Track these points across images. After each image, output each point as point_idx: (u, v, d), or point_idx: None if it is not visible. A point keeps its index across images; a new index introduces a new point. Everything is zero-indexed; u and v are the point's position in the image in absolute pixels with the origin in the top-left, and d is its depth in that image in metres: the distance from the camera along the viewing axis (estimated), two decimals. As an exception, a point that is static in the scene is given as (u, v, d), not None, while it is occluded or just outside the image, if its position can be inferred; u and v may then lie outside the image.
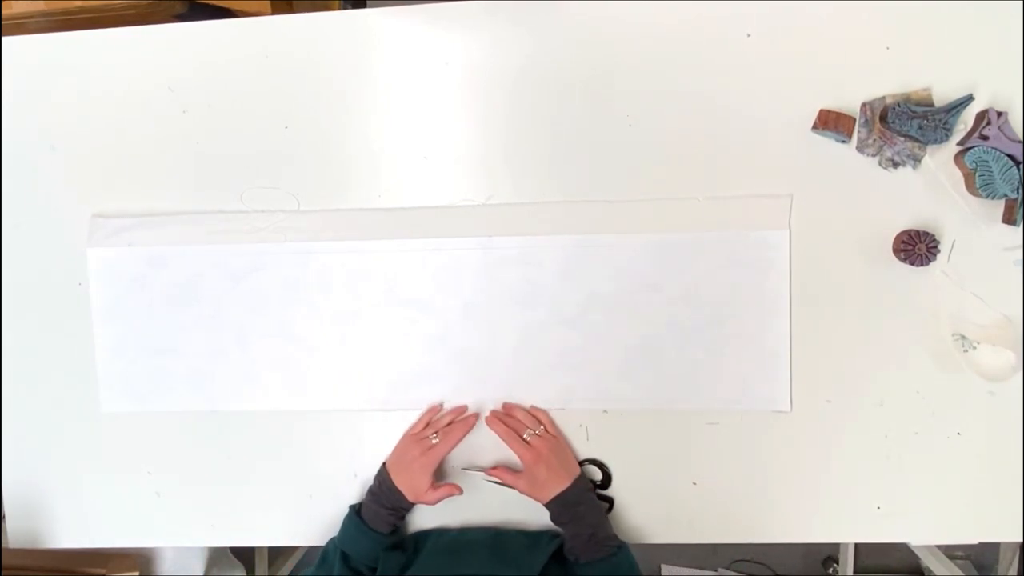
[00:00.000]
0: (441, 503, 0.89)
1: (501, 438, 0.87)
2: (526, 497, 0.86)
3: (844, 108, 0.84)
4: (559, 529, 0.90)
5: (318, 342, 0.94)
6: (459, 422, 0.90)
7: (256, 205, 0.94)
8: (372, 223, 0.93)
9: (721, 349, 0.89)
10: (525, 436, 0.86)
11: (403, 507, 0.88)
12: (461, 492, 0.88)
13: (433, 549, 0.88)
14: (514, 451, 0.86)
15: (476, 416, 0.91)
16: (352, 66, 0.92)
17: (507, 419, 0.89)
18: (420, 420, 0.92)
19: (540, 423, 0.89)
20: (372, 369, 0.94)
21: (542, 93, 0.90)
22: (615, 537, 0.85)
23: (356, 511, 0.89)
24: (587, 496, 0.86)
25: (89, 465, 0.99)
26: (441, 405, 0.93)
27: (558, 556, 0.85)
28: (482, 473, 0.92)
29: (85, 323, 0.97)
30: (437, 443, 0.87)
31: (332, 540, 0.89)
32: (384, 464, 0.91)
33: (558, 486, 0.84)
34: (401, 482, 0.87)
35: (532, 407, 0.91)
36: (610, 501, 0.91)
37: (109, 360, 0.98)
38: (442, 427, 0.89)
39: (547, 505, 0.85)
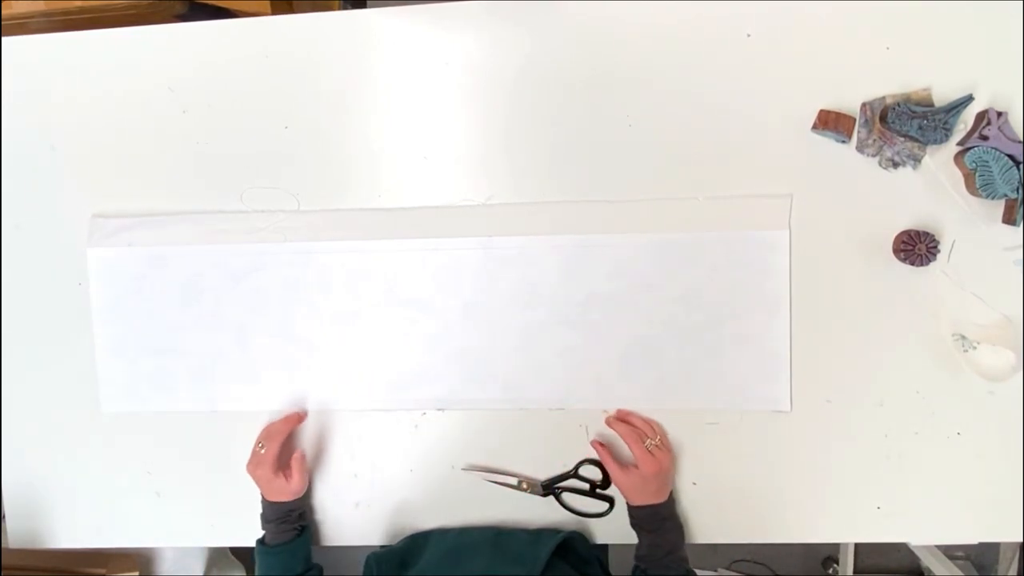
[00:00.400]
0: (442, 503, 0.90)
1: (624, 440, 0.87)
2: (613, 500, 0.88)
3: (844, 108, 0.84)
4: (560, 527, 0.90)
5: (318, 342, 0.94)
6: (279, 421, 0.92)
7: (256, 205, 0.94)
8: (372, 223, 0.93)
9: (721, 349, 0.89)
10: (647, 444, 0.86)
11: (290, 510, 0.89)
12: (302, 453, 0.90)
13: (436, 550, 0.87)
14: (636, 456, 0.85)
15: (301, 415, 0.94)
16: (352, 66, 0.92)
17: (630, 420, 0.89)
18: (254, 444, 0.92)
19: (656, 434, 0.88)
20: (372, 369, 0.94)
21: (542, 93, 0.90)
22: (687, 560, 0.85)
23: (260, 542, 0.90)
24: (675, 514, 0.87)
25: (89, 465, 0.99)
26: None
27: (561, 552, 0.85)
28: (482, 473, 0.92)
29: (85, 323, 0.97)
30: (263, 451, 0.89)
31: None
32: (260, 497, 0.92)
33: (658, 498, 0.85)
34: (272, 495, 0.89)
35: (648, 419, 0.90)
36: (610, 501, 0.91)
37: (109, 360, 0.98)
38: (265, 432, 0.92)
39: (635, 509, 0.86)
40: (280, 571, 0.87)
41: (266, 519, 0.90)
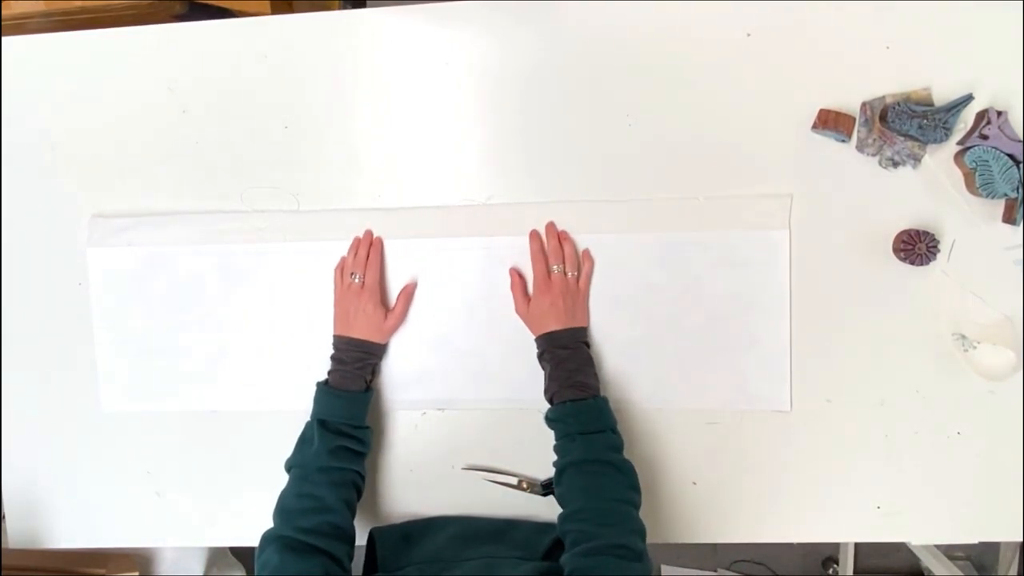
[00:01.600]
0: (442, 503, 0.89)
1: (530, 255, 0.87)
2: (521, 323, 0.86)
3: (844, 108, 0.84)
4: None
5: (318, 342, 0.94)
6: (372, 250, 0.90)
7: (256, 205, 0.94)
8: (372, 223, 0.93)
9: (721, 349, 0.89)
10: (555, 267, 0.85)
11: (371, 352, 0.88)
12: (415, 285, 0.89)
13: (443, 533, 0.88)
14: (533, 271, 0.85)
15: (379, 239, 0.91)
16: (352, 66, 0.92)
17: (551, 240, 0.88)
18: (335, 280, 0.91)
19: (573, 266, 0.86)
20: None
21: (542, 93, 0.90)
22: (596, 386, 0.83)
23: (324, 384, 0.87)
24: (578, 346, 0.85)
25: (89, 465, 0.99)
26: (343, 258, 0.92)
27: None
28: (482, 473, 0.92)
29: (85, 323, 0.97)
30: (364, 278, 0.87)
31: (307, 423, 0.87)
32: (335, 334, 0.89)
33: (553, 324, 0.83)
34: (360, 330, 0.87)
35: (586, 250, 0.89)
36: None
37: (109, 360, 0.98)
38: (358, 263, 0.89)
39: (537, 340, 0.85)
40: (341, 416, 0.84)
41: (340, 360, 0.87)
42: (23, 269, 0.99)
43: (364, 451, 0.85)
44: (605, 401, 0.82)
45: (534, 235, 0.88)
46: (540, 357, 0.85)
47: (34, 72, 0.97)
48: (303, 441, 0.85)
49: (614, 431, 0.80)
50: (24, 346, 0.99)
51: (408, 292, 0.89)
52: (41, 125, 0.97)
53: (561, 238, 0.88)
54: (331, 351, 0.89)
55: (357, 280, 0.88)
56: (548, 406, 0.83)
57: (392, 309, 0.89)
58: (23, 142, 0.97)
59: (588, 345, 0.87)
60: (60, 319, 0.98)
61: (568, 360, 0.83)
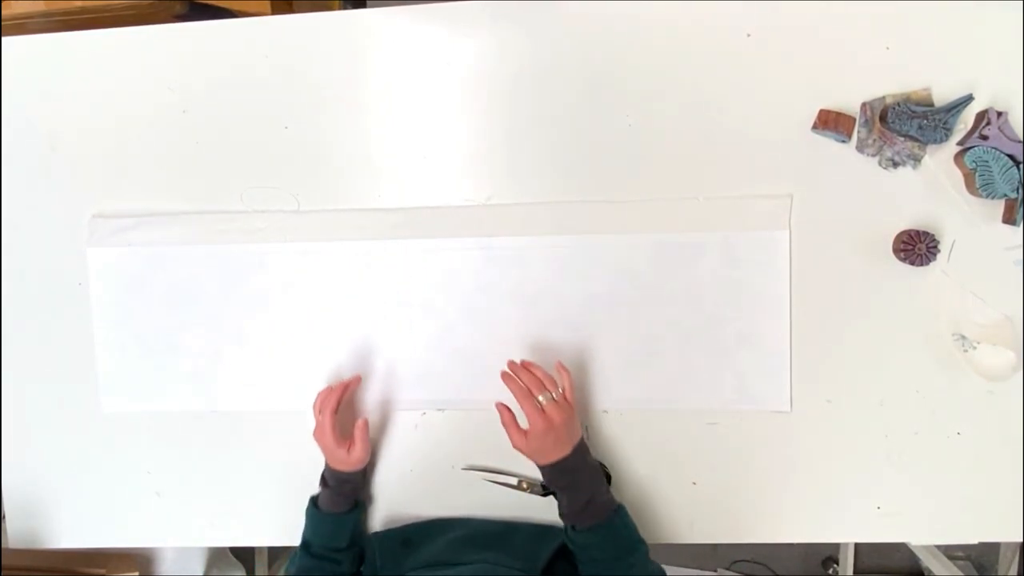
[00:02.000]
0: (442, 503, 0.89)
1: (514, 396, 0.83)
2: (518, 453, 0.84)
3: (844, 108, 0.84)
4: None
5: (318, 342, 0.94)
6: (330, 391, 0.89)
7: (256, 205, 0.94)
8: (372, 223, 0.93)
9: (721, 349, 0.89)
10: (541, 399, 0.82)
11: (347, 480, 0.89)
12: (365, 421, 0.88)
13: (443, 537, 0.88)
14: (525, 414, 0.82)
15: (354, 379, 0.92)
16: (352, 66, 0.92)
17: (523, 375, 0.85)
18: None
19: (557, 386, 0.84)
20: (372, 369, 0.94)
21: (542, 93, 0.90)
22: (613, 500, 0.83)
23: (314, 502, 0.90)
24: (585, 462, 0.84)
25: (89, 465, 0.99)
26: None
27: (565, 550, 0.84)
28: (482, 473, 0.92)
29: (85, 323, 0.97)
30: (320, 417, 0.88)
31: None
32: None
33: (559, 454, 0.82)
34: (332, 463, 0.89)
35: (558, 363, 0.87)
36: (610, 501, 0.91)
37: (109, 360, 0.98)
38: (320, 400, 0.89)
39: (542, 468, 0.83)
40: (320, 539, 0.87)
41: (323, 482, 0.90)
42: (23, 269, 0.99)
43: (346, 572, 0.87)
44: (625, 511, 0.82)
45: (506, 377, 0.85)
46: (550, 483, 0.84)
47: (34, 72, 0.97)
48: (291, 561, 0.89)
49: (641, 541, 0.81)
50: (24, 346, 0.99)
51: (361, 428, 0.88)
52: (41, 125, 0.97)
53: (528, 367, 0.86)
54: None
55: (321, 417, 0.88)
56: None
57: (352, 443, 0.88)
58: (23, 142, 0.97)
59: (589, 453, 0.86)
60: (60, 319, 0.98)
61: (581, 483, 0.82)
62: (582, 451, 0.84)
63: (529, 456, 0.83)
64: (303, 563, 0.86)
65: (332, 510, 0.88)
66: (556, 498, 0.84)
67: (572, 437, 0.83)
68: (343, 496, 0.88)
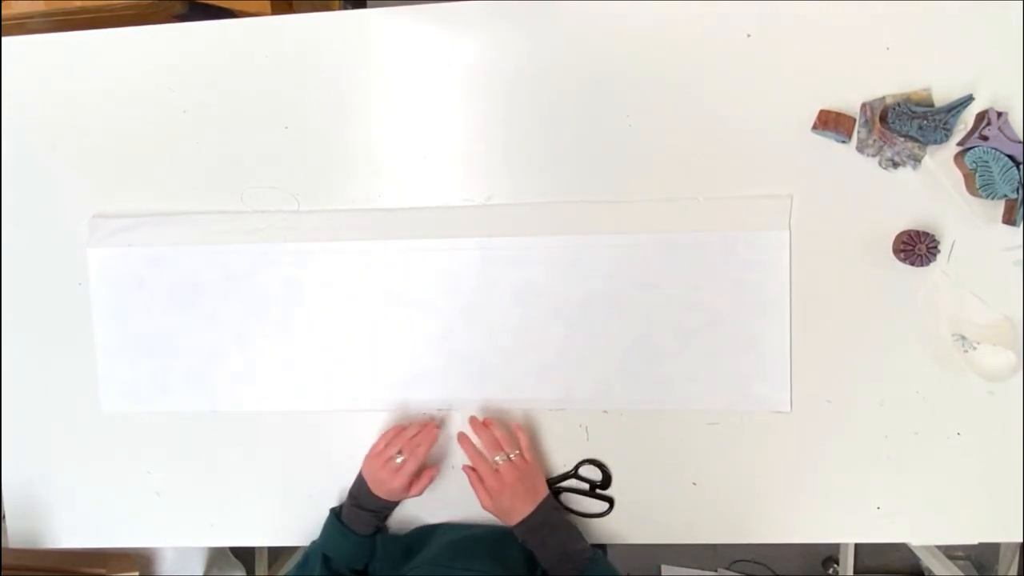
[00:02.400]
0: (442, 503, 0.90)
1: (469, 459, 0.88)
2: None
3: (844, 108, 0.84)
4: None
5: (318, 342, 0.94)
6: (423, 435, 0.89)
7: (256, 205, 0.94)
8: (372, 223, 0.93)
9: (721, 349, 0.89)
10: (497, 459, 0.85)
11: (386, 508, 0.89)
12: (437, 471, 0.89)
13: (438, 542, 0.88)
14: (480, 475, 0.85)
15: (438, 426, 0.91)
16: (352, 66, 0.92)
17: (482, 434, 0.88)
18: (379, 440, 0.90)
19: (513, 447, 0.86)
20: (372, 369, 0.94)
21: (542, 93, 0.90)
22: (587, 548, 0.84)
23: (336, 515, 0.89)
24: (553, 516, 0.85)
25: (89, 465, 0.99)
26: (399, 426, 0.92)
27: None
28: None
29: (85, 323, 0.97)
30: (404, 461, 0.86)
31: (314, 543, 0.89)
32: (361, 473, 0.90)
33: (523, 511, 0.83)
34: (381, 494, 0.87)
35: (516, 425, 0.89)
36: (610, 501, 0.91)
37: (109, 360, 0.98)
38: (406, 441, 0.88)
39: (514, 529, 0.85)
40: (346, 558, 0.86)
41: (359, 504, 0.88)
42: (23, 269, 0.99)
43: None
44: (600, 558, 0.83)
45: (462, 439, 0.89)
46: (525, 543, 0.85)
47: (34, 72, 0.97)
48: (304, 562, 0.87)
49: None
50: (24, 346, 0.99)
51: (430, 477, 0.89)
52: (41, 125, 0.97)
53: (488, 425, 0.89)
54: (352, 483, 0.91)
55: (399, 460, 0.86)
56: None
57: (412, 487, 0.88)
58: (23, 142, 0.97)
59: (558, 504, 0.88)
60: (60, 319, 0.98)
61: (550, 536, 0.83)
62: (548, 507, 0.85)
63: (499, 517, 0.85)
64: (319, 569, 0.85)
65: (359, 530, 0.86)
66: (535, 554, 0.84)
67: (535, 494, 0.85)
68: (374, 520, 0.88)
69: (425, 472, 0.89)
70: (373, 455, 0.89)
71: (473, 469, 0.87)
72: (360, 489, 0.89)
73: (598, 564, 0.83)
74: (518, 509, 0.83)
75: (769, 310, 0.88)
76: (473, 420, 0.90)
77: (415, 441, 0.88)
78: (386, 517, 0.91)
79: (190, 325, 0.96)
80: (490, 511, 0.86)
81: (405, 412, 0.94)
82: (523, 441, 0.87)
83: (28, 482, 1.01)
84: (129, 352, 0.97)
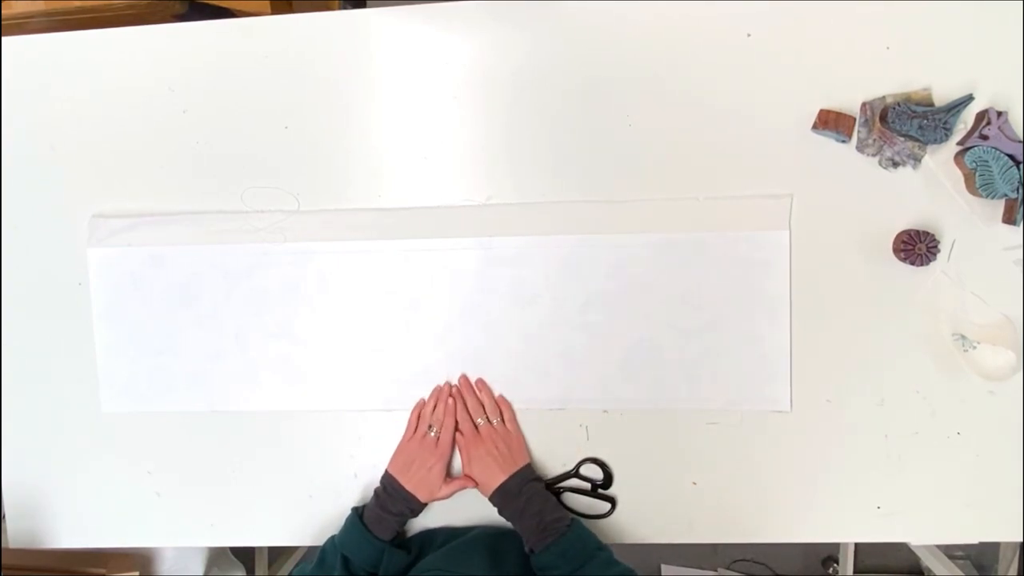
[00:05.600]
0: (442, 503, 0.89)
1: (450, 415, 0.89)
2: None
3: (844, 108, 0.84)
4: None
5: (318, 342, 0.94)
6: (441, 408, 0.90)
7: (256, 205, 0.94)
8: (372, 223, 0.93)
9: (721, 349, 0.89)
10: (479, 421, 0.88)
11: (413, 510, 0.88)
12: (476, 484, 0.88)
13: (436, 550, 0.87)
14: (459, 430, 0.87)
15: (452, 394, 0.92)
16: (352, 66, 0.92)
17: (470, 397, 0.90)
18: (410, 422, 0.92)
19: (496, 413, 0.89)
20: (372, 369, 0.94)
21: (542, 93, 0.90)
22: (565, 516, 0.83)
23: (359, 515, 0.88)
24: (530, 485, 0.85)
25: (89, 465, 0.99)
26: (422, 400, 0.93)
27: None
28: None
29: (85, 323, 0.97)
30: (440, 434, 0.88)
31: (331, 540, 0.88)
32: (388, 471, 0.90)
33: (500, 475, 0.84)
34: (414, 484, 0.87)
35: (500, 396, 0.91)
36: (612, 501, 0.91)
37: (109, 360, 0.98)
38: (437, 416, 0.90)
39: (491, 499, 0.85)
40: (365, 562, 0.84)
41: (384, 505, 0.87)
42: (23, 269, 0.99)
43: None
44: (579, 525, 0.83)
45: (444, 393, 0.90)
46: (501, 514, 0.85)
47: (34, 72, 0.97)
48: (322, 560, 0.86)
49: (601, 548, 0.81)
50: (24, 346, 0.99)
51: (462, 484, 0.88)
52: (41, 125, 0.97)
53: (478, 388, 0.91)
54: (378, 484, 0.90)
55: (433, 434, 0.88)
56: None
57: (449, 481, 0.88)
58: (23, 142, 0.97)
59: (538, 479, 0.88)
60: (60, 319, 0.98)
61: (526, 507, 0.83)
62: (525, 476, 0.86)
63: (479, 486, 0.87)
64: (338, 567, 0.83)
65: (380, 535, 0.85)
66: (512, 524, 0.85)
67: (512, 463, 0.86)
68: (397, 523, 0.87)
69: (461, 478, 0.88)
70: (407, 440, 0.90)
71: (458, 430, 0.88)
72: (387, 489, 0.88)
73: (576, 529, 0.82)
74: (494, 474, 0.85)
75: (769, 310, 0.88)
76: (464, 379, 0.91)
77: (441, 414, 0.90)
78: (407, 521, 0.90)
79: (190, 325, 0.96)
80: (468, 475, 0.87)
81: (405, 412, 0.94)
82: (507, 412, 0.90)
83: (28, 482, 1.01)
84: (129, 352, 0.97)
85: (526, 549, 0.83)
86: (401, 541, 0.91)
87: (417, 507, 0.88)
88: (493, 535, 0.89)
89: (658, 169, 0.88)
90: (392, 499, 0.87)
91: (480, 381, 0.91)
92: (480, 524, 0.93)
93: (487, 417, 0.89)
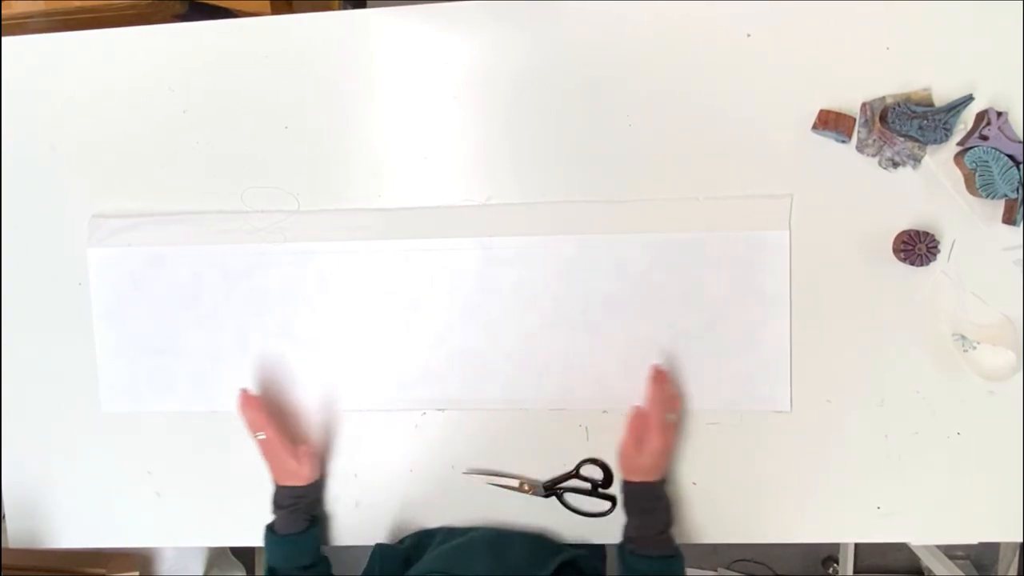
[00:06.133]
0: (442, 503, 0.89)
1: (650, 403, 0.84)
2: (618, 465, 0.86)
3: (844, 108, 0.84)
4: (561, 531, 0.90)
5: (318, 342, 0.94)
6: (250, 410, 0.89)
7: (256, 205, 0.94)
8: (372, 223, 0.93)
9: (721, 349, 0.89)
10: (670, 416, 0.85)
11: (301, 496, 0.89)
12: (312, 446, 0.90)
13: (435, 549, 0.87)
14: (653, 426, 0.82)
15: (243, 392, 0.91)
16: (352, 66, 0.92)
17: (658, 388, 0.85)
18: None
19: (677, 410, 0.87)
20: (372, 369, 0.94)
21: (542, 93, 0.90)
22: (674, 541, 0.84)
23: (269, 528, 0.89)
24: (666, 494, 0.85)
25: (89, 465, 0.99)
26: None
27: (561, 567, 0.83)
28: (484, 477, 0.92)
29: (85, 323, 0.97)
30: (263, 437, 0.88)
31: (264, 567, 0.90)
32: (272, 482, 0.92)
33: (652, 476, 0.83)
34: (283, 479, 0.89)
35: (675, 393, 0.88)
36: (612, 500, 0.91)
37: (109, 360, 0.98)
38: (250, 425, 0.90)
39: (630, 485, 0.84)
40: (285, 562, 0.87)
41: (277, 505, 0.89)
42: (23, 269, 0.99)
43: None
44: (683, 559, 0.83)
45: (659, 379, 0.86)
46: (631, 506, 0.84)
47: (34, 72, 0.97)
48: None
49: None
50: (24, 346, 0.99)
51: (307, 454, 0.89)
52: (41, 125, 0.97)
53: (663, 381, 0.87)
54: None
55: (262, 436, 0.89)
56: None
57: (301, 459, 0.89)
58: (23, 142, 0.97)
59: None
60: (60, 319, 0.98)
61: (659, 512, 0.83)
62: (665, 482, 0.86)
63: (626, 468, 0.84)
64: None
65: (290, 531, 0.87)
66: (628, 517, 0.84)
67: (664, 469, 0.85)
68: (300, 513, 0.88)
69: (303, 450, 0.89)
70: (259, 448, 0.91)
71: (643, 414, 0.84)
72: (274, 492, 0.90)
73: (680, 563, 0.82)
74: (651, 471, 0.83)
75: (769, 310, 0.88)
76: (657, 368, 0.87)
77: (251, 421, 0.89)
78: (309, 507, 0.90)
79: (190, 325, 0.96)
80: (627, 457, 0.83)
81: (405, 412, 0.94)
82: (679, 410, 0.87)
83: (28, 482, 1.01)
84: (129, 352, 0.97)
85: (626, 543, 0.83)
86: (398, 545, 0.91)
87: (303, 491, 0.89)
88: (495, 536, 0.89)
89: (658, 169, 0.88)
90: (282, 497, 0.89)
91: (664, 373, 0.87)
92: (480, 524, 0.93)
93: (676, 415, 0.86)
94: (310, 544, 0.88)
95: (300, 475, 0.88)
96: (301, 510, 0.89)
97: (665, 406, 0.85)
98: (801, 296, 0.87)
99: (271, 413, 0.90)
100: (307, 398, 0.95)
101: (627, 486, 0.85)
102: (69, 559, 1.19)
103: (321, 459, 0.93)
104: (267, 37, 0.93)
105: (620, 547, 0.84)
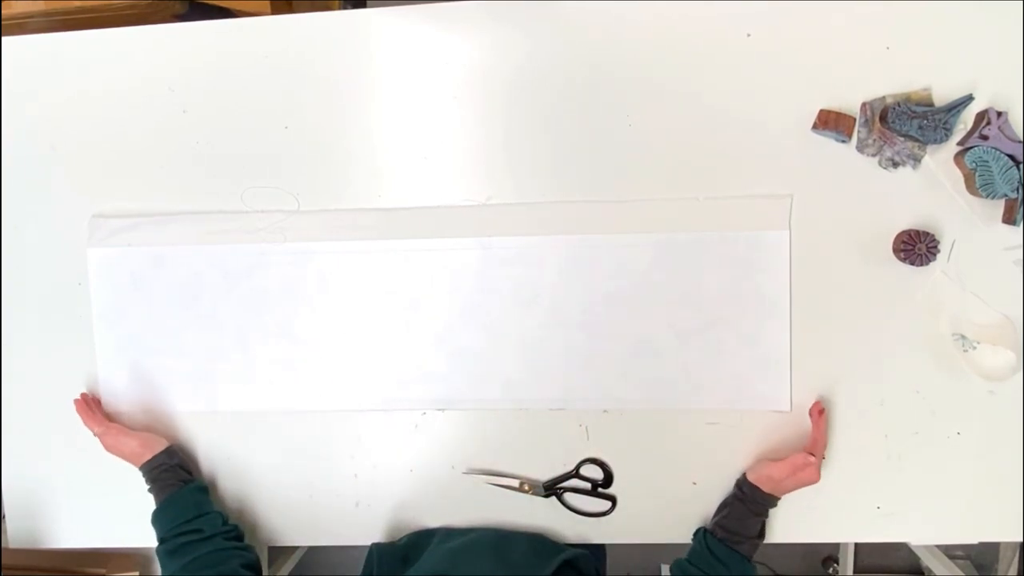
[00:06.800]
0: (442, 503, 0.89)
1: (816, 445, 0.84)
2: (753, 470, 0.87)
3: (844, 108, 0.84)
4: (561, 530, 0.90)
5: (318, 342, 0.94)
6: (81, 412, 0.94)
7: (256, 205, 0.94)
8: (372, 223, 0.93)
9: (721, 349, 0.89)
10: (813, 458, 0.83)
11: (156, 466, 0.90)
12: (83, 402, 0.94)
13: (436, 549, 0.87)
14: (814, 461, 0.82)
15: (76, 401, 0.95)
16: (352, 66, 0.92)
17: (819, 429, 0.85)
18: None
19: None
20: (372, 369, 0.94)
21: (542, 93, 0.90)
22: (751, 557, 0.84)
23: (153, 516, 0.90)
24: (767, 515, 0.86)
25: (89, 465, 0.99)
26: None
27: (564, 570, 0.83)
28: (484, 477, 0.92)
29: (85, 323, 0.97)
30: (98, 436, 0.93)
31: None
32: None
33: (780, 494, 0.85)
34: (134, 461, 0.92)
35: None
36: (612, 500, 0.91)
37: (109, 360, 0.98)
38: (87, 425, 0.94)
39: (757, 491, 0.84)
40: (170, 524, 0.86)
41: (149, 486, 0.90)
42: (23, 269, 0.99)
43: (212, 532, 0.86)
44: (752, 563, 0.84)
45: (823, 416, 0.86)
46: (746, 503, 0.85)
47: (34, 72, 0.97)
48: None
49: None
50: (24, 346, 0.99)
51: (142, 436, 0.93)
52: (41, 125, 0.97)
53: (821, 419, 0.86)
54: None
55: (95, 434, 0.93)
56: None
57: (127, 440, 0.92)
58: (23, 142, 0.97)
59: None
60: (60, 319, 0.98)
61: (755, 515, 0.84)
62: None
63: (762, 479, 0.84)
64: (164, 560, 0.85)
65: (163, 496, 0.89)
66: (732, 508, 0.85)
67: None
68: (165, 480, 0.89)
69: (142, 436, 0.93)
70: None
71: (811, 461, 0.83)
72: (143, 477, 0.92)
73: (752, 569, 0.83)
74: (782, 492, 0.84)
75: (769, 310, 0.88)
76: (820, 407, 0.86)
77: (85, 416, 0.94)
78: (173, 471, 0.91)
79: (190, 325, 0.96)
80: (768, 476, 0.84)
81: (405, 412, 0.94)
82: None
83: (28, 482, 1.01)
84: (129, 352, 0.97)
85: (716, 528, 0.84)
86: (397, 542, 0.91)
87: (155, 460, 0.91)
88: (496, 537, 0.89)
89: (658, 169, 0.89)
90: (143, 477, 0.91)
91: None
92: (480, 524, 0.93)
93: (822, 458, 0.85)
94: (187, 499, 0.88)
95: (138, 454, 0.91)
96: (166, 478, 0.89)
97: (824, 445, 0.86)
98: (801, 296, 0.87)
99: (97, 410, 0.95)
100: (307, 398, 0.95)
101: (755, 490, 0.85)
102: (69, 559, 1.19)
103: (148, 430, 0.95)
104: (267, 37, 0.93)
105: (706, 533, 0.84)
